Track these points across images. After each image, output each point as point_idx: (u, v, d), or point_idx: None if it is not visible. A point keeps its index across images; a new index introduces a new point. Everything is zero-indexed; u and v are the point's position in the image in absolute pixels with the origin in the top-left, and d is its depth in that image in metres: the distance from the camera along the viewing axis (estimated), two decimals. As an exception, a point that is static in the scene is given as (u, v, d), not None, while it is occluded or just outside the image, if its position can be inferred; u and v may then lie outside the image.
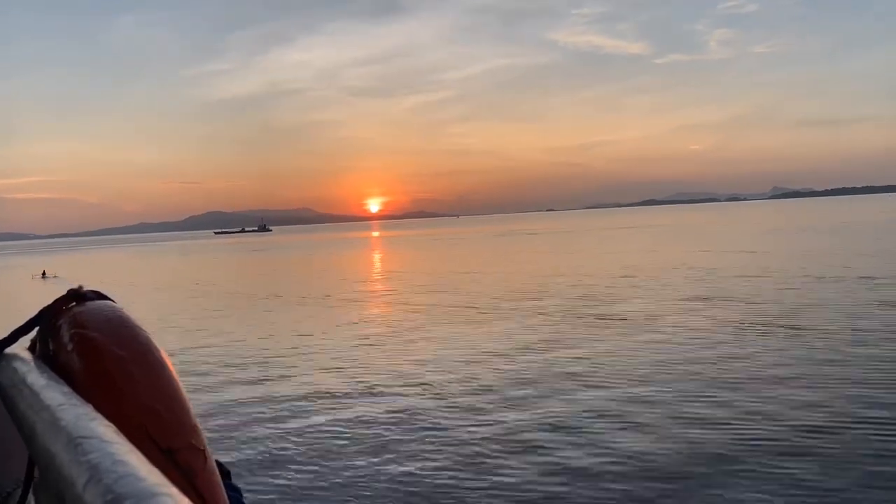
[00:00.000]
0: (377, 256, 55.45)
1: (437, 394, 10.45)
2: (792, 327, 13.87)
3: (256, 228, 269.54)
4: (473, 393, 10.39)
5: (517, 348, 13.50)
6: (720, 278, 23.22)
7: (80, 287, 1.47)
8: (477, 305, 20.10)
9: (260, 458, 8.24)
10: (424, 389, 10.79)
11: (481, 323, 17.01)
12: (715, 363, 11.29)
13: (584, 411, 9.18)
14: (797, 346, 12.13)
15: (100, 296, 1.44)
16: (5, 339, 1.30)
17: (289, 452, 8.35)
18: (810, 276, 21.85)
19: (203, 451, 1.11)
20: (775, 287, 19.98)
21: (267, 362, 13.74)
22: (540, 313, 17.94)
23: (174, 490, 0.53)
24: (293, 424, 9.43)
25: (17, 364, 1.13)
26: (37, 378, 0.99)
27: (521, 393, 10.23)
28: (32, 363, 1.14)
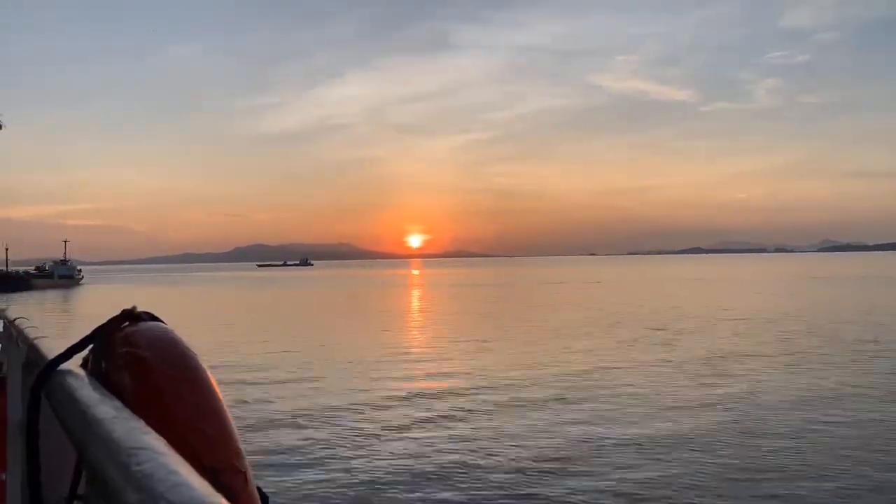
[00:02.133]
0: (438, 298, 54.71)
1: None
2: None
3: (298, 262, 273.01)
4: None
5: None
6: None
7: (134, 308, 1.52)
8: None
9: (305, 489, 8.22)
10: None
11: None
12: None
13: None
14: None
15: (152, 317, 1.49)
16: (60, 355, 1.34)
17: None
18: None
19: (245, 474, 1.14)
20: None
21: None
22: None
23: (224, 501, 0.55)
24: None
25: (71, 379, 1.17)
26: (90, 393, 1.03)
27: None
28: (86, 379, 1.17)
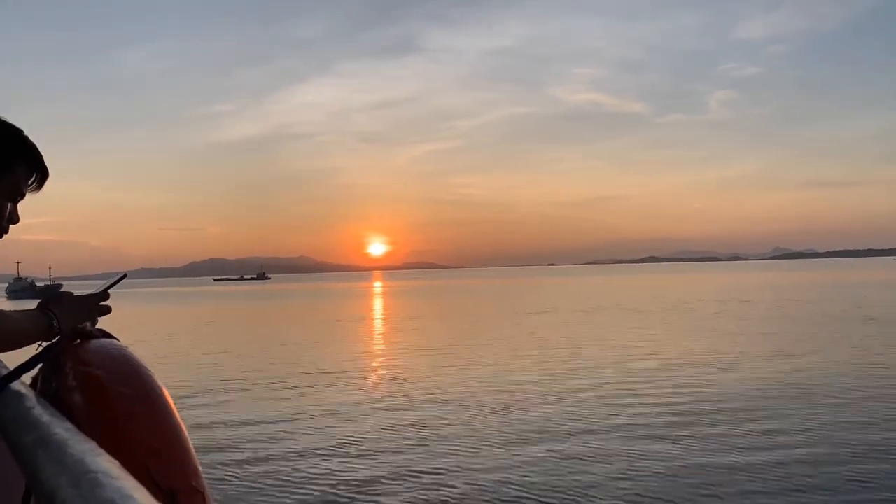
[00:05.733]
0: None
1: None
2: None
3: (255, 276, 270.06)
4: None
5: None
6: None
7: (85, 325, 1.48)
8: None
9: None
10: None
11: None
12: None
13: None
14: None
15: (104, 334, 1.46)
16: (7, 375, 1.30)
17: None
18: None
19: (203, 494, 1.12)
20: None
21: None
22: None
23: None
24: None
25: (20, 400, 1.13)
26: (40, 414, 0.99)
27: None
28: (35, 399, 1.13)
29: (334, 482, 8.93)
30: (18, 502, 1.24)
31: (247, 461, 9.99)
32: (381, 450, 10.27)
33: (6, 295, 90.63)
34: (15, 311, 1.53)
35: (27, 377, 1.34)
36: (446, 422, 11.83)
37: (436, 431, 11.16)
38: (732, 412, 11.68)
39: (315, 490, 8.66)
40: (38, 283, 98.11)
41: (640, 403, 12.53)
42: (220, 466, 9.63)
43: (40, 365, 1.37)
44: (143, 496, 0.61)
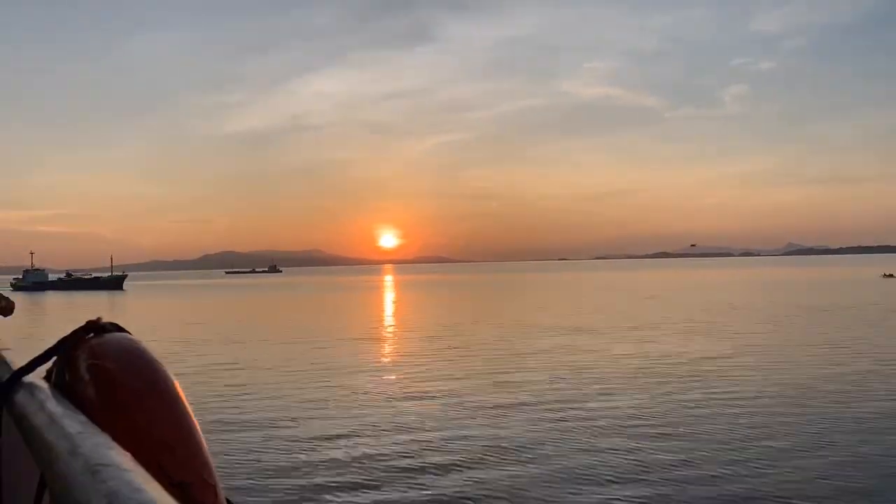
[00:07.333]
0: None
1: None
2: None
3: (267, 269, 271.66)
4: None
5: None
6: None
7: (99, 319, 1.49)
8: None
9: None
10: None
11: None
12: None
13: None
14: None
15: (118, 328, 1.46)
16: (23, 368, 1.31)
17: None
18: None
19: (214, 487, 1.12)
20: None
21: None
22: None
23: None
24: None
25: (35, 392, 1.14)
26: (54, 407, 1.01)
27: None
28: (49, 392, 1.15)
29: (341, 470, 8.97)
30: (33, 493, 1.25)
31: (254, 450, 10.05)
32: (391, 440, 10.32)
33: (11, 288, 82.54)
34: None
35: (41, 370, 1.36)
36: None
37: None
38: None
39: (321, 477, 8.71)
40: (53, 276, 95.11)
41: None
42: (231, 454, 9.69)
43: (54, 358, 1.39)
44: (154, 489, 0.61)
